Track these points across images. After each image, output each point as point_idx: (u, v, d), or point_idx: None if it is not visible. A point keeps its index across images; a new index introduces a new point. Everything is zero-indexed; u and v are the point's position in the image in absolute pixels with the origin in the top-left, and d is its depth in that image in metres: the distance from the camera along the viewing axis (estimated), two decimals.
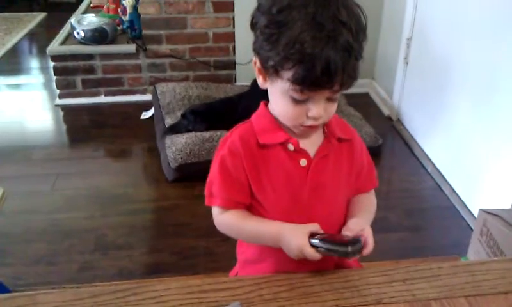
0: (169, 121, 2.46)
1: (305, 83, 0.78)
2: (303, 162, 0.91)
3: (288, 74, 0.79)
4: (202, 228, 1.92)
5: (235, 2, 2.79)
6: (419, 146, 2.49)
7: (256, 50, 0.84)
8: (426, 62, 2.44)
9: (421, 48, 2.49)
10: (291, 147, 0.91)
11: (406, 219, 2.05)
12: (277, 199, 0.92)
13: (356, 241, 0.84)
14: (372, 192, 1.05)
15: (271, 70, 0.82)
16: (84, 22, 2.81)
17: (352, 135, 0.99)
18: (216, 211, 0.96)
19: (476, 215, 1.89)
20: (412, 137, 2.58)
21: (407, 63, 2.63)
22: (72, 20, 2.85)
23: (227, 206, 0.93)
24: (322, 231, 0.87)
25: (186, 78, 2.89)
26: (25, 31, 4.04)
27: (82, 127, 2.74)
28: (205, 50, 2.89)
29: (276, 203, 0.92)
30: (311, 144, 0.93)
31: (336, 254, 0.84)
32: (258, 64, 0.86)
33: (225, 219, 0.95)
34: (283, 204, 0.92)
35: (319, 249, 0.83)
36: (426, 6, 2.41)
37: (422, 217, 2.10)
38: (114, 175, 2.32)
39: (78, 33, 2.77)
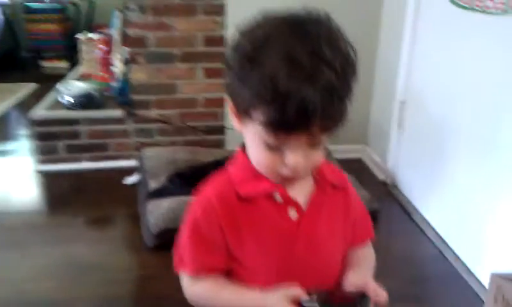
0: (153, 185, 2.34)
1: (277, 126, 0.68)
2: (293, 214, 0.79)
3: (259, 116, 0.69)
4: (184, 301, 1.73)
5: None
6: (418, 211, 2.36)
7: (229, 91, 0.75)
8: (421, 125, 2.38)
9: (415, 111, 2.44)
10: (278, 198, 0.79)
11: (408, 289, 1.88)
12: (264, 260, 0.79)
13: (363, 296, 0.70)
14: (369, 244, 0.92)
15: (243, 112, 0.72)
16: (72, 87, 2.77)
17: (346, 182, 0.88)
18: (186, 280, 0.83)
19: (483, 282, 1.74)
20: (409, 201, 2.45)
21: (401, 127, 2.56)
22: (60, 86, 2.81)
23: (200, 273, 0.80)
24: (303, 294, 0.72)
25: (174, 144, 2.81)
26: (14, 100, 4.01)
27: (61, 193, 2.60)
28: (195, 115, 2.83)
29: (263, 265, 0.79)
30: (301, 193, 0.81)
31: None
32: (231, 105, 0.77)
33: (198, 290, 0.82)
34: (271, 266, 0.79)
35: None
36: (419, 68, 2.38)
37: (425, 286, 1.92)
38: (91, 243, 2.16)
39: (65, 99, 2.72)
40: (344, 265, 0.85)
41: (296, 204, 0.80)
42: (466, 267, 1.95)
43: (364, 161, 3.00)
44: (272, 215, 0.79)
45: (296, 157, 0.72)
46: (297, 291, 0.73)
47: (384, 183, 2.70)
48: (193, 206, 0.83)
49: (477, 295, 1.81)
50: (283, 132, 0.69)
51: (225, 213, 0.78)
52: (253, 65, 0.69)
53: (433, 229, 2.21)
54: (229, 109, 0.78)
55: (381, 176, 2.76)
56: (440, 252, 2.10)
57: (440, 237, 2.15)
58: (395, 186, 2.63)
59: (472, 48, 1.93)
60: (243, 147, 0.82)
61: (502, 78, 1.74)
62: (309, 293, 0.73)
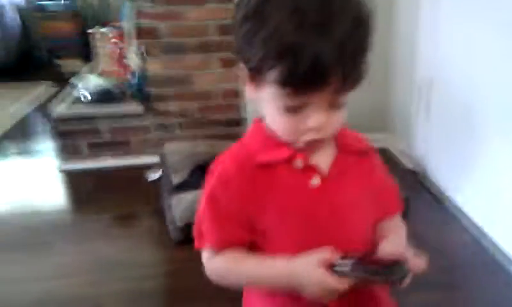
0: (176, 180, 2.30)
1: (292, 83, 0.63)
2: (316, 181, 0.74)
3: (272, 75, 0.64)
4: (213, 291, 1.69)
5: None
6: (450, 198, 2.28)
7: (239, 53, 0.70)
8: (448, 107, 2.29)
9: (441, 92, 2.34)
10: (299, 164, 0.74)
11: (444, 278, 1.81)
12: (287, 230, 0.74)
13: (399, 263, 0.64)
14: (399, 217, 0.86)
15: (256, 73, 0.67)
16: (90, 84, 2.74)
17: (370, 148, 0.82)
18: (206, 255, 0.78)
19: None
20: (441, 189, 2.37)
21: (427, 110, 2.47)
22: (76, 81, 2.79)
23: (220, 246, 0.75)
24: (335, 255, 0.67)
25: (194, 137, 2.77)
26: (32, 99, 4.01)
27: (85, 192, 2.58)
28: (213, 108, 2.79)
29: (285, 235, 0.74)
30: (322, 159, 0.76)
31: (376, 280, 0.65)
32: (242, 70, 0.72)
33: (218, 263, 0.77)
34: (294, 236, 0.74)
35: (350, 276, 0.64)
36: (444, 45, 2.28)
37: (462, 274, 1.86)
38: (116, 239, 2.13)
39: (84, 95, 2.69)
40: (373, 238, 0.80)
41: (317, 171, 0.75)
42: (506, 254, 1.87)
43: (389, 150, 2.91)
44: (293, 182, 0.74)
45: (317, 118, 0.68)
46: (329, 254, 0.68)
47: (412, 172, 2.61)
48: (209, 177, 0.78)
49: None
50: (301, 90, 0.64)
51: (243, 180, 0.74)
52: (259, 20, 0.64)
53: (468, 216, 2.13)
54: (241, 75, 0.73)
55: (408, 165, 2.67)
56: (476, 239, 2.02)
57: (475, 224, 2.06)
58: (424, 174, 2.54)
59: (506, 14, 1.81)
60: (259, 119, 0.78)
61: None
62: (341, 257, 0.68)
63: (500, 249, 1.89)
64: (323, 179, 0.75)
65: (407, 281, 0.67)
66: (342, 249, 0.71)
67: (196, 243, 0.79)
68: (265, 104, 0.72)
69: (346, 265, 0.65)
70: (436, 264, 1.86)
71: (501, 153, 1.89)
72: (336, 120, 0.71)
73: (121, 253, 2.00)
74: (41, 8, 4.98)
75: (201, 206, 0.78)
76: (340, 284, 0.66)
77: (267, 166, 0.74)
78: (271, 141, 0.74)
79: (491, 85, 1.93)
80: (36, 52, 5.18)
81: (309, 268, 0.68)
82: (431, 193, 2.42)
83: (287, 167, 0.74)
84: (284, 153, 0.74)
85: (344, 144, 0.78)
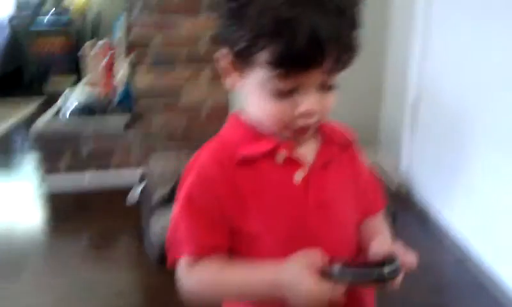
0: (158, 195, 2.24)
1: (288, 61, 0.59)
2: (299, 175, 0.69)
3: (264, 55, 0.60)
4: None
5: None
6: (436, 216, 2.24)
7: (223, 39, 0.65)
8: (436, 125, 2.27)
9: (429, 110, 2.32)
10: (281, 156, 0.68)
11: (431, 297, 1.76)
12: (271, 229, 0.68)
13: (390, 257, 0.60)
14: (381, 215, 0.82)
15: (243, 57, 0.63)
16: (73, 98, 2.69)
17: (353, 139, 0.78)
18: (183, 265, 0.69)
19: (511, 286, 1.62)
20: (427, 206, 2.33)
21: (414, 128, 2.45)
22: (62, 95, 2.74)
23: (199, 253, 0.67)
24: (325, 258, 0.63)
25: (180, 152, 2.71)
26: (20, 116, 3.96)
27: (64, 209, 2.50)
28: (201, 121, 2.74)
29: (270, 235, 0.68)
30: (306, 151, 0.71)
31: (368, 280, 0.60)
32: (225, 57, 0.67)
33: (198, 274, 0.68)
34: (280, 235, 0.68)
35: (339, 279, 0.59)
36: (432, 63, 2.27)
37: (449, 294, 1.81)
38: (94, 260, 2.06)
39: (67, 109, 2.64)
40: (359, 237, 0.76)
41: (300, 164, 0.70)
42: (492, 272, 1.82)
43: (376, 166, 2.87)
44: (276, 177, 0.69)
45: (310, 101, 0.63)
46: (318, 257, 0.62)
47: (399, 188, 2.58)
48: (185, 175, 0.72)
49: (506, 301, 1.69)
50: (296, 68, 0.60)
51: (222, 178, 0.68)
52: None
53: (454, 234, 2.08)
54: (224, 63, 0.69)
55: (395, 181, 2.63)
56: (463, 258, 1.98)
57: (462, 242, 2.02)
58: (410, 190, 2.51)
59: (490, 37, 1.81)
60: (236, 113, 0.74)
61: None
62: (330, 262, 0.63)
63: (487, 267, 1.85)
64: (307, 173, 0.70)
65: (399, 278, 0.62)
66: (329, 246, 0.67)
67: (170, 255, 0.71)
68: (251, 92, 0.68)
69: (335, 269, 0.61)
70: (423, 283, 1.82)
71: (488, 172, 1.86)
72: (328, 104, 0.67)
73: (99, 274, 1.94)
74: (33, 25, 4.96)
75: (176, 209, 0.71)
76: (330, 291, 0.60)
77: (248, 161, 0.68)
78: (252, 133, 0.70)
79: (478, 104, 1.92)
80: (27, 69, 5.14)
81: (298, 274, 0.62)
82: (417, 210, 2.37)
83: (269, 162, 0.69)
84: (267, 145, 0.69)
85: (327, 135, 0.74)
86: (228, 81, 0.70)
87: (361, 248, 0.74)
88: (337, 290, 0.60)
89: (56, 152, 2.65)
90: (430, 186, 2.36)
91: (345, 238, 0.74)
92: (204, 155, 0.71)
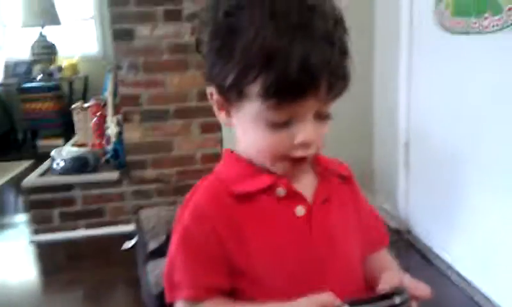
0: (153, 245, 2.18)
1: (280, 91, 0.57)
2: (300, 210, 0.67)
3: (255, 88, 0.59)
4: None
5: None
6: (438, 256, 2.20)
7: (209, 76, 0.64)
8: (430, 164, 2.27)
9: (422, 149, 2.34)
10: (281, 192, 0.67)
11: None
12: (275, 265, 0.65)
13: (399, 288, 0.58)
14: (386, 251, 0.80)
15: (233, 93, 0.62)
16: (64, 152, 2.68)
17: (350, 172, 0.77)
18: None
19: None
20: (428, 247, 2.29)
21: (408, 169, 2.45)
22: (52, 152, 2.72)
23: (197, 296, 0.64)
24: (338, 301, 0.59)
25: (173, 204, 2.67)
26: (10, 176, 3.92)
27: (56, 263, 2.44)
28: (193, 173, 2.72)
29: (274, 272, 0.65)
30: (304, 185, 0.69)
31: None
32: (215, 95, 0.66)
33: None
34: (284, 272, 0.65)
35: None
36: (420, 104, 2.31)
37: None
38: None
39: (58, 164, 2.62)
40: (365, 273, 0.73)
41: (301, 197, 0.68)
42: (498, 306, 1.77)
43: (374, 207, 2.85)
44: (277, 212, 0.67)
45: (307, 131, 0.62)
46: (330, 297, 0.59)
47: (397, 231, 2.54)
48: (181, 214, 0.69)
49: None
50: (289, 97, 0.58)
51: (220, 215, 0.65)
52: (234, 31, 0.60)
53: (458, 272, 2.04)
54: (213, 101, 0.68)
55: (393, 225, 2.60)
56: (468, 296, 1.92)
57: (466, 280, 1.97)
58: (409, 232, 2.47)
59: (473, 74, 1.86)
60: (229, 149, 0.73)
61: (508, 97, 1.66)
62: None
63: (494, 303, 1.80)
64: (308, 208, 0.68)
65: None
66: (336, 281, 0.65)
67: (167, 296, 0.68)
68: (244, 126, 0.66)
69: (344, 306, 0.58)
70: None
71: (487, 208, 1.85)
72: (323, 133, 0.66)
73: None
74: (21, 89, 5.00)
75: (172, 249, 0.68)
76: None
77: (246, 197, 0.66)
78: (249, 169, 0.68)
79: (470, 140, 1.93)
80: (17, 133, 5.14)
81: None
82: (418, 251, 2.33)
83: (268, 197, 0.67)
84: (265, 181, 0.67)
85: (324, 170, 0.72)
86: (221, 117, 0.69)
87: (368, 284, 0.71)
88: None
89: (47, 206, 2.62)
90: (429, 226, 2.33)
91: (352, 273, 0.71)
92: (199, 192, 0.69)
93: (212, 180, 0.71)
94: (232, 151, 0.72)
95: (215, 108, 0.69)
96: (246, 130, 0.67)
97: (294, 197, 0.67)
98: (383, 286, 0.64)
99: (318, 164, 0.72)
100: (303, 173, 0.70)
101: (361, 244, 0.74)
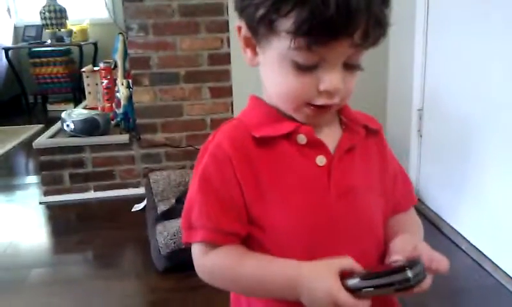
0: (162, 208, 2.19)
1: (314, 28, 0.53)
2: (321, 160, 0.64)
3: (287, 23, 0.54)
4: None
5: (233, 86, 2.67)
6: (448, 224, 2.18)
7: (240, 6, 0.60)
8: (442, 132, 2.23)
9: (435, 117, 2.29)
10: (302, 139, 0.64)
11: (448, 303, 1.69)
12: (290, 215, 0.63)
13: (413, 261, 0.56)
14: (413, 210, 0.76)
15: (263, 27, 0.57)
16: (74, 114, 2.67)
17: (380, 125, 0.73)
18: (197, 250, 0.65)
19: None
20: (438, 215, 2.27)
21: (421, 136, 2.42)
22: (63, 114, 2.72)
23: (214, 240, 0.63)
24: (358, 268, 0.58)
25: (183, 168, 2.67)
26: (20, 140, 3.94)
27: (66, 224, 2.46)
28: (203, 138, 2.70)
29: (289, 222, 0.63)
30: (327, 136, 0.66)
31: (391, 287, 0.55)
32: (243, 29, 0.62)
33: (212, 262, 0.64)
34: (299, 222, 0.63)
35: (362, 291, 0.55)
36: (435, 70, 2.26)
37: (466, 299, 1.74)
38: (98, 270, 2.01)
39: (68, 125, 2.62)
40: (386, 234, 0.70)
41: (323, 147, 0.65)
42: (508, 275, 1.76)
43: None
44: (297, 160, 0.64)
45: (332, 79, 0.58)
46: (350, 263, 0.58)
47: None
48: (202, 155, 0.67)
49: None
50: (322, 37, 0.54)
51: (240, 159, 0.63)
52: None
53: (467, 240, 2.02)
54: (240, 37, 0.65)
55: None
56: (477, 263, 1.91)
57: (476, 248, 1.96)
58: (420, 201, 2.45)
59: (492, 42, 1.79)
60: (255, 96, 0.70)
61: None
62: (351, 273, 0.58)
63: (503, 271, 1.78)
64: (329, 158, 0.65)
65: (427, 282, 0.58)
66: (355, 235, 0.64)
67: (184, 236, 0.67)
68: (269, 67, 0.63)
69: (356, 283, 0.56)
70: (440, 290, 1.75)
71: (498, 177, 1.82)
72: (351, 85, 0.62)
73: (104, 284, 1.87)
74: (32, 53, 4.99)
75: (192, 189, 0.67)
76: (354, 303, 0.55)
77: (266, 142, 0.64)
78: (272, 115, 0.66)
79: (485, 109, 1.88)
80: (27, 97, 5.15)
81: (324, 273, 0.57)
82: (428, 220, 2.31)
83: (288, 144, 0.65)
84: (287, 127, 0.64)
85: (350, 122, 0.69)
86: (246, 57, 0.66)
87: (387, 244, 0.69)
88: (354, 302, 0.55)
89: (57, 167, 2.63)
90: (440, 195, 2.30)
91: (373, 232, 0.69)
92: (220, 135, 0.67)
93: (234, 123, 0.69)
94: (257, 97, 0.70)
95: (241, 44, 0.66)
96: (270, 71, 0.63)
97: (316, 146, 0.65)
98: (395, 255, 0.62)
99: (344, 115, 0.69)
100: (328, 123, 0.68)
101: (385, 202, 0.71)
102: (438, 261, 0.61)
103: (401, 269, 0.55)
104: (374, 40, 0.58)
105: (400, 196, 0.75)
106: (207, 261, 0.65)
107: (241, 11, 0.62)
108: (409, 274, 0.55)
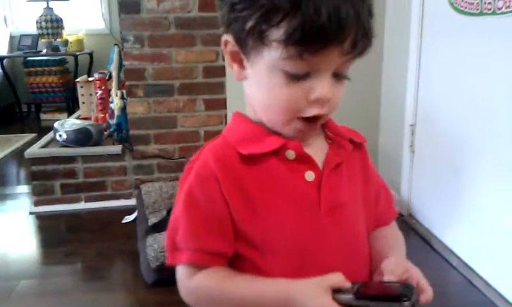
0: (153, 220, 2.18)
1: (306, 36, 0.54)
2: (310, 175, 0.64)
3: (278, 33, 0.55)
4: None
5: (227, 99, 2.68)
6: (439, 240, 2.18)
7: (227, 20, 0.60)
8: (434, 148, 2.24)
9: (427, 133, 2.31)
10: (291, 155, 0.64)
11: None
12: (281, 230, 0.63)
13: (408, 288, 0.57)
14: (394, 223, 0.77)
15: (253, 38, 0.58)
16: (67, 124, 2.67)
17: (363, 137, 0.74)
18: (182, 272, 0.64)
19: None
20: (429, 230, 2.28)
21: (413, 151, 2.43)
22: (55, 123, 2.71)
23: (200, 261, 0.63)
24: (348, 283, 0.58)
25: (175, 180, 2.66)
26: (12, 149, 3.92)
27: (56, 235, 2.43)
28: (196, 149, 2.69)
29: (280, 236, 0.63)
30: (314, 150, 0.66)
31: None
32: (229, 44, 0.62)
33: (197, 283, 0.63)
34: (290, 238, 0.63)
35: (352, 304, 0.55)
36: (428, 86, 2.27)
37: None
38: (87, 283, 1.98)
39: (60, 135, 2.61)
40: (373, 246, 0.71)
41: (312, 163, 0.65)
42: (499, 293, 1.75)
43: None
44: (285, 176, 0.64)
45: (323, 86, 0.59)
46: (340, 279, 0.57)
47: (399, 214, 2.52)
48: (186, 174, 0.67)
49: None
50: (312, 46, 0.55)
51: (227, 176, 0.63)
52: None
53: (458, 257, 2.02)
54: (227, 51, 0.64)
55: (396, 204, 2.59)
56: (468, 280, 1.91)
57: (467, 265, 1.96)
58: (411, 216, 2.46)
59: (484, 58, 1.82)
60: (238, 112, 0.70)
61: None
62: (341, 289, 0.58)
63: (494, 289, 1.78)
64: (318, 174, 0.65)
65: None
66: (342, 252, 0.64)
67: (169, 258, 0.66)
68: (258, 78, 0.63)
69: (350, 294, 0.57)
70: (431, 305, 1.74)
71: (490, 193, 1.83)
72: (338, 96, 0.63)
73: (92, 296, 1.84)
74: (27, 62, 4.98)
75: (177, 210, 0.66)
76: None
77: (254, 159, 0.64)
78: (258, 130, 0.65)
79: (477, 125, 1.89)
80: (21, 106, 5.13)
81: (315, 290, 0.57)
82: (419, 235, 2.32)
83: (277, 160, 0.64)
84: (274, 143, 0.64)
85: (335, 136, 0.69)
86: (233, 70, 0.66)
87: (373, 260, 0.70)
88: None
89: (48, 177, 2.61)
90: (430, 210, 2.31)
91: (360, 247, 0.69)
92: (205, 154, 0.67)
93: (219, 141, 0.68)
94: (240, 114, 0.70)
95: (228, 58, 0.65)
96: (258, 85, 0.63)
97: (304, 161, 0.65)
98: (387, 276, 0.62)
99: (329, 129, 0.70)
100: (314, 138, 0.68)
101: (367, 216, 0.72)
102: (426, 291, 0.61)
103: (398, 298, 0.56)
104: (362, 49, 0.59)
105: (383, 210, 0.76)
106: (193, 283, 0.64)
107: (229, 24, 0.61)
108: (407, 304, 0.55)
